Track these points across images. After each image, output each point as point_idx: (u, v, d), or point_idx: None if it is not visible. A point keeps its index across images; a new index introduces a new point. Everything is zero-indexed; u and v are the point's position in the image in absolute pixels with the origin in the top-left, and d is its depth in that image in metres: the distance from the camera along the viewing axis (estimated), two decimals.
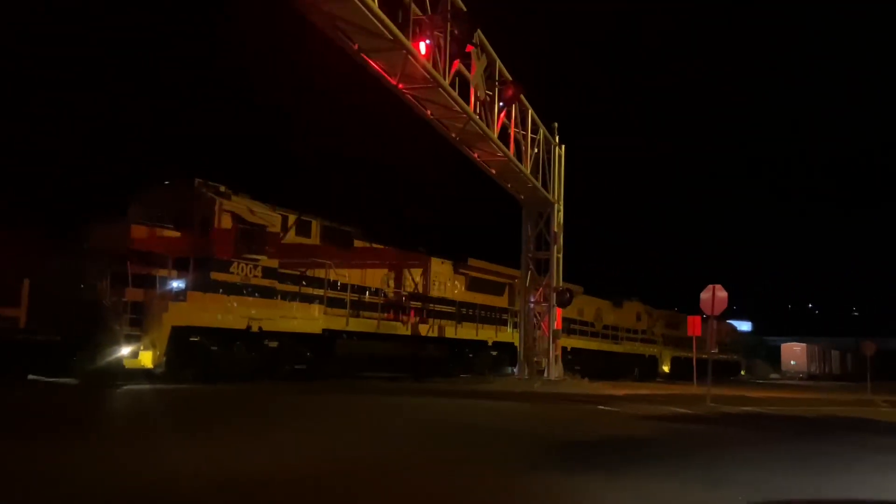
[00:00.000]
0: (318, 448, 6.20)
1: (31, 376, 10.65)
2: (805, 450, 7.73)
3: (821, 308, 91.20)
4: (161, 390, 10.89)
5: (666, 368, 33.22)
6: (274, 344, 14.10)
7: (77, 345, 10.63)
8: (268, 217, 13.88)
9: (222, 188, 13.43)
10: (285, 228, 14.42)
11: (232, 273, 13.02)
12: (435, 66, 11.90)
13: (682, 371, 32.85)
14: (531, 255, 19.74)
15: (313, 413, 9.35)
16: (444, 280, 19.98)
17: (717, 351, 40.01)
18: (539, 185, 18.51)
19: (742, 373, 44.70)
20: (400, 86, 12.17)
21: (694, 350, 19.14)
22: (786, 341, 55.02)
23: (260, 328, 13.57)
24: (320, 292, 15.19)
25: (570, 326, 25.10)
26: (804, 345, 53.20)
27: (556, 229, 19.50)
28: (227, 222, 12.97)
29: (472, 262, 20.86)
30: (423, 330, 18.66)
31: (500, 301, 22.44)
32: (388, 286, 17.81)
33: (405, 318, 18.04)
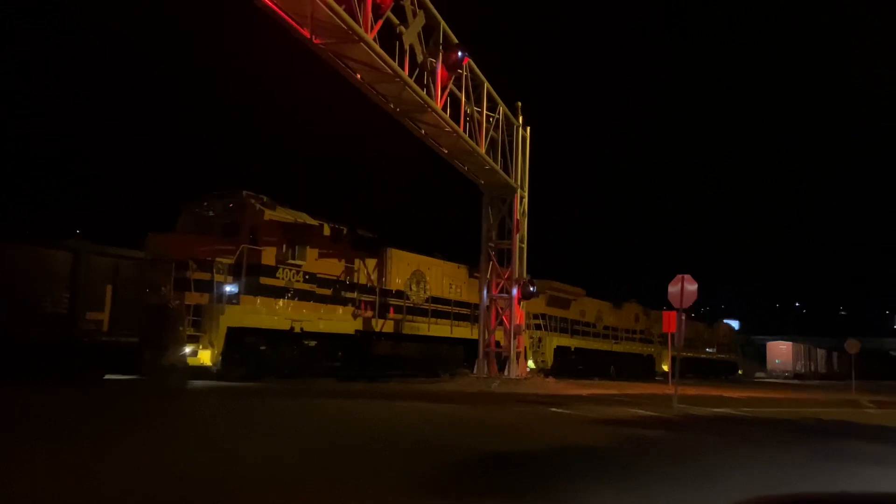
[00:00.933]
0: (164, 462, 5.25)
1: (107, 376, 11.62)
2: (778, 459, 6.83)
3: (808, 307, 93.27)
4: (218, 388, 11.93)
5: (665, 367, 34.40)
6: (312, 343, 15.16)
7: (149, 345, 11.62)
8: (307, 225, 14.95)
9: (265, 199, 14.49)
10: (321, 236, 15.50)
11: (277, 278, 14.07)
12: (353, 14, 10.35)
13: (680, 370, 34.18)
14: (493, 244, 18.77)
15: (215, 418, 8.41)
16: (461, 283, 21.08)
17: (714, 350, 41.26)
18: (499, 167, 17.40)
19: (739, 372, 45.38)
20: (315, 40, 10.75)
21: (669, 347, 19.67)
22: (772, 340, 54.60)
23: (301, 329, 14.63)
24: (353, 295, 16.28)
25: (573, 327, 26.35)
26: (790, 343, 52.86)
27: (518, 216, 18.51)
28: (272, 231, 14.03)
29: None
30: (441, 331, 19.76)
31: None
32: (410, 290, 18.91)
33: (425, 320, 19.13)
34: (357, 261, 16.66)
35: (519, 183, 18.99)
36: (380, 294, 17.21)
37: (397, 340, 17.86)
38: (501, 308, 18.89)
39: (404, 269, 18.63)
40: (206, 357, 12.53)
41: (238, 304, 13.19)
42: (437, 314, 19.55)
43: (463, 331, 20.53)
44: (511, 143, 18.45)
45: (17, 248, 10.57)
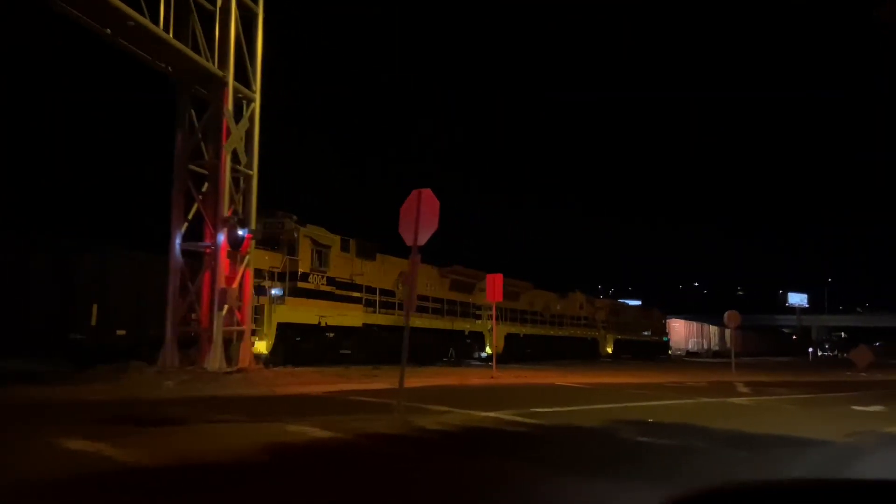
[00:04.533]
0: None
1: None
2: None
3: (707, 287, 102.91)
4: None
5: (609, 350, 38.92)
6: (331, 335, 18.60)
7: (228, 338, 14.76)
8: (328, 239, 18.38)
9: (295, 217, 17.77)
10: (337, 247, 18.94)
11: (309, 282, 17.45)
12: None
13: (623, 351, 39.39)
14: (194, 164, 13.65)
15: None
16: (434, 283, 24.90)
17: (649, 333, 46.43)
18: (188, 49, 12.63)
19: (670, 352, 48.45)
20: None
21: (494, 320, 20.02)
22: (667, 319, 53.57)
23: (326, 323, 18.06)
24: (359, 294, 19.81)
25: (522, 316, 30.60)
26: (682, 321, 53.04)
27: (227, 118, 13.42)
28: (306, 245, 17.38)
29: (455, 267, 25.98)
30: (422, 324, 23.54)
31: (472, 298, 27.63)
32: (398, 289, 22.56)
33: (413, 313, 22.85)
34: (360, 265, 20.16)
35: (255, 88, 14.56)
36: (378, 293, 20.81)
37: (390, 332, 21.49)
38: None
39: (393, 271, 22.24)
40: (262, 347, 15.81)
41: (284, 304, 16.49)
42: (419, 309, 23.30)
43: (439, 323, 24.42)
44: (227, 23, 13.67)
45: (133, 256, 13.37)
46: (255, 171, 14.79)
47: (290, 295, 16.68)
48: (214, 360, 12.93)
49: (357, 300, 19.71)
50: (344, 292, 19.00)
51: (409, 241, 8.23)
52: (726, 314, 23.92)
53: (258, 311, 15.71)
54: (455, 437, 6.79)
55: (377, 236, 21.59)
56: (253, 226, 14.42)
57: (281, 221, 17.20)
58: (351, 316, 19.29)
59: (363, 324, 19.78)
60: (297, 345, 17.15)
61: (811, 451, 6.44)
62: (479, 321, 27.71)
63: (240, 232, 13.54)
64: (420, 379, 12.80)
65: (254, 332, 15.69)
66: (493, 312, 19.97)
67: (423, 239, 8.13)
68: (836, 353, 74.87)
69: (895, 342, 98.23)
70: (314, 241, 17.67)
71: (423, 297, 23.71)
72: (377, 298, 20.62)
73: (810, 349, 62.88)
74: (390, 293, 21.87)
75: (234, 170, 14.16)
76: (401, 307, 22.08)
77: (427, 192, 8.20)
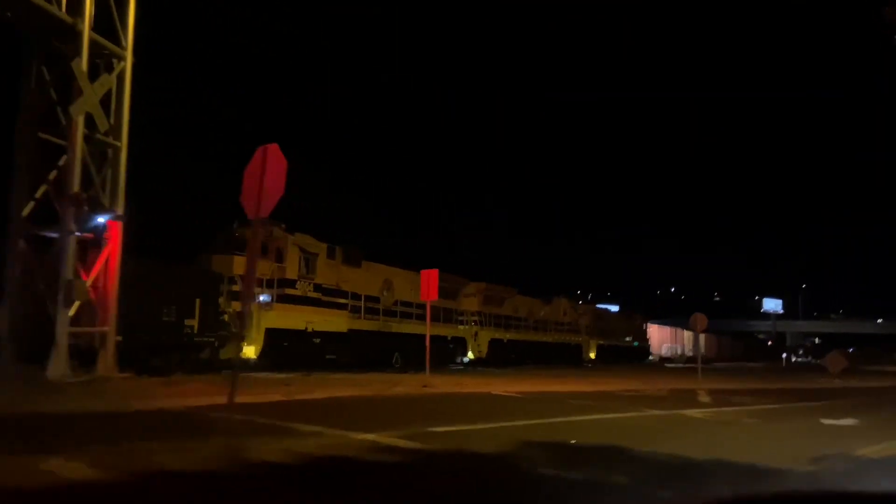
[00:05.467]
0: None
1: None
2: None
3: (685, 293, 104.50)
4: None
5: (592, 355, 39.59)
6: (318, 340, 19.07)
7: (214, 343, 15.21)
8: (315, 246, 18.87)
9: (283, 225, 18.24)
10: (324, 254, 19.43)
11: (297, 289, 17.92)
12: None
13: (606, 356, 40.10)
14: (45, 132, 11.89)
15: None
16: (418, 289, 25.42)
17: (630, 338, 47.21)
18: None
19: (651, 357, 48.96)
20: None
21: (428, 321, 17.56)
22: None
23: (312, 329, 18.53)
24: (345, 301, 20.30)
25: (506, 322, 31.21)
26: (656, 325, 52.43)
27: (77, 73, 11.40)
28: (294, 252, 17.86)
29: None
30: (406, 328, 24.07)
31: (455, 304, 28.21)
32: (383, 295, 23.09)
33: (395, 319, 23.39)
34: (346, 272, 20.66)
35: (125, 45, 12.62)
36: (363, 299, 21.32)
37: (376, 337, 22.02)
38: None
39: (378, 278, 22.77)
40: (250, 352, 16.26)
41: (272, 310, 16.95)
42: (404, 315, 23.85)
43: (422, 328, 24.94)
44: None
45: (153, 265, 13.81)
46: (123, 144, 12.53)
47: (278, 301, 17.15)
48: (56, 366, 10.89)
49: (343, 306, 20.21)
50: (330, 298, 19.49)
51: (251, 213, 6.71)
52: (692, 317, 22.44)
53: (243, 316, 16.14)
54: (286, 474, 5.20)
55: (364, 242, 22.16)
56: (121, 208, 12.15)
57: (270, 229, 17.66)
58: (337, 321, 19.78)
59: (348, 329, 20.27)
60: (284, 350, 17.60)
61: (760, 486, 5.28)
62: (462, 326, 28.29)
63: (100, 219, 11.71)
64: (335, 388, 11.84)
65: (242, 337, 16.16)
66: (428, 312, 18.10)
67: (267, 209, 6.67)
68: (810, 358, 76.60)
69: (869, 348, 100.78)
70: (302, 249, 18.17)
71: (406, 303, 24.26)
72: (362, 304, 21.14)
73: (784, 355, 64.21)
74: (375, 299, 22.39)
75: (95, 140, 12.01)
76: (385, 313, 22.63)
77: (273, 148, 6.78)
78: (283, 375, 14.30)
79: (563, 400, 12.22)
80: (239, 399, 8.62)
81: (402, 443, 6.46)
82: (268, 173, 6.60)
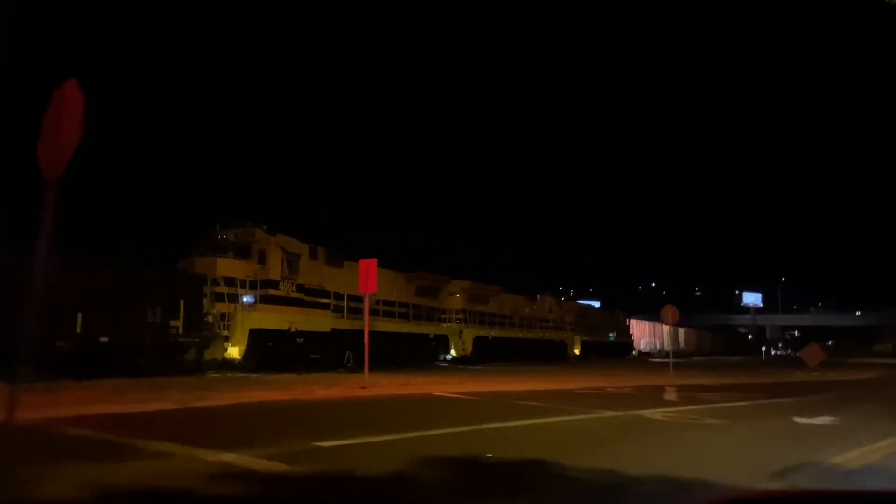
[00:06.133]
0: None
1: None
2: None
3: (666, 288, 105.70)
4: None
5: (577, 351, 40.09)
6: (301, 340, 19.35)
7: (198, 344, 15.46)
8: (298, 247, 19.14)
9: (266, 227, 18.50)
10: (307, 255, 19.71)
11: (280, 290, 18.19)
12: None
13: (591, 352, 40.70)
14: None
15: None
16: (400, 288, 25.80)
17: (615, 334, 47.94)
18: None
19: (634, 353, 49.49)
20: None
21: (367, 315, 15.34)
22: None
23: (296, 329, 18.81)
24: (328, 301, 20.60)
25: (491, 320, 31.58)
26: (634, 321, 52.29)
27: None
28: (276, 254, 18.12)
29: (420, 273, 26.95)
30: (389, 326, 24.41)
31: (437, 302, 28.60)
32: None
33: (377, 318, 23.71)
34: (329, 272, 20.95)
35: None
36: (346, 299, 21.62)
37: (360, 336, 22.29)
38: None
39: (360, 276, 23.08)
40: (234, 352, 16.52)
41: (255, 311, 17.22)
42: (386, 314, 24.19)
43: (405, 327, 25.33)
44: None
45: (137, 268, 14.03)
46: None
47: (261, 302, 17.41)
48: None
49: (325, 306, 20.50)
50: (313, 299, 19.77)
51: (48, 172, 5.34)
52: (663, 309, 21.40)
53: (227, 317, 16.43)
54: None
55: (353, 242, 22.42)
56: None
57: (252, 231, 17.93)
58: (319, 321, 20.07)
59: (331, 329, 20.57)
60: (268, 350, 17.87)
61: None
62: (445, 325, 28.69)
63: None
64: (251, 392, 10.78)
65: (226, 338, 16.43)
66: (366, 305, 15.77)
67: (62, 161, 5.35)
68: (789, 351, 77.92)
69: (848, 340, 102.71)
70: (284, 251, 18.43)
71: (389, 303, 24.60)
72: (345, 304, 21.43)
73: (763, 348, 65.18)
74: (358, 299, 22.67)
75: None
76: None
77: (70, 86, 5.44)
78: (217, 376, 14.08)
79: (514, 400, 11.15)
80: (114, 408, 8.13)
81: (263, 465, 5.22)
82: (64, 119, 5.38)
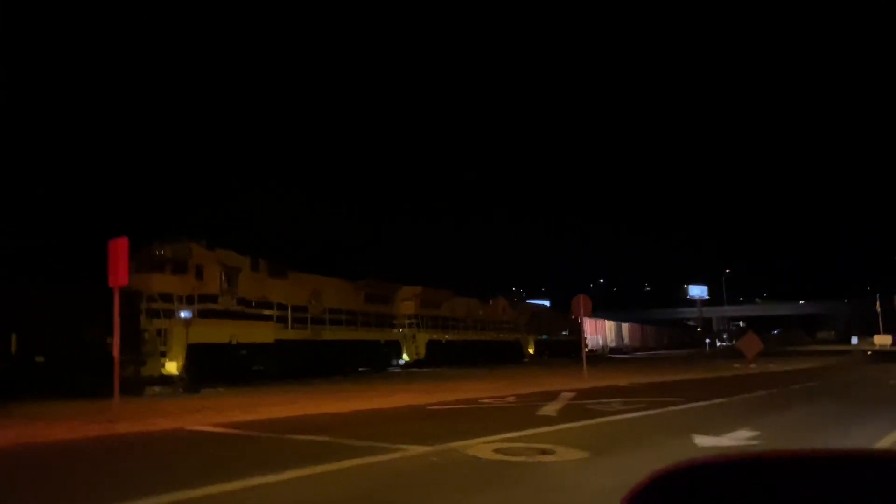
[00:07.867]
0: None
1: None
2: None
3: (616, 284, 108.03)
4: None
5: (531, 350, 40.96)
6: (244, 352, 19.32)
7: (134, 361, 15.30)
8: (238, 261, 19.10)
9: (204, 242, 18.41)
10: (247, 268, 19.68)
11: (219, 304, 18.13)
12: None
13: (545, 351, 41.51)
14: None
15: None
16: (349, 296, 25.92)
17: (566, 333, 48.82)
18: None
19: (586, 350, 51.79)
20: None
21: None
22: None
23: (237, 341, 18.77)
24: (271, 312, 20.60)
25: (444, 323, 31.84)
26: (585, 318, 56.15)
27: None
28: (215, 269, 18.06)
29: (368, 280, 27.13)
30: (338, 335, 24.51)
31: (388, 309, 28.81)
32: (311, 304, 23.46)
33: (323, 327, 23.81)
34: (271, 284, 20.95)
35: None
36: (290, 310, 21.66)
37: (305, 346, 22.38)
38: None
39: (305, 287, 23.13)
40: (172, 368, 16.42)
41: (193, 326, 17.12)
42: (333, 322, 24.29)
43: (353, 334, 25.47)
44: None
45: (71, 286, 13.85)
46: None
47: (199, 317, 17.33)
48: None
49: (269, 318, 20.50)
50: (255, 311, 19.76)
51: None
52: (573, 300, 19.51)
53: (163, 333, 16.32)
54: None
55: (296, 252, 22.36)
56: None
57: (189, 246, 17.82)
58: (262, 333, 20.06)
59: (275, 339, 20.58)
60: (207, 364, 17.79)
61: None
62: (397, 330, 28.94)
63: None
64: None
65: (163, 354, 16.32)
66: (116, 297, 11.20)
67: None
68: (734, 342, 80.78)
69: (793, 329, 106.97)
70: (223, 265, 18.39)
71: (336, 311, 24.71)
72: (289, 315, 21.47)
73: (707, 340, 67.00)
74: (303, 309, 22.75)
75: None
76: (313, 321, 23.02)
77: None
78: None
79: (297, 434, 8.05)
80: None
81: None
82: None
